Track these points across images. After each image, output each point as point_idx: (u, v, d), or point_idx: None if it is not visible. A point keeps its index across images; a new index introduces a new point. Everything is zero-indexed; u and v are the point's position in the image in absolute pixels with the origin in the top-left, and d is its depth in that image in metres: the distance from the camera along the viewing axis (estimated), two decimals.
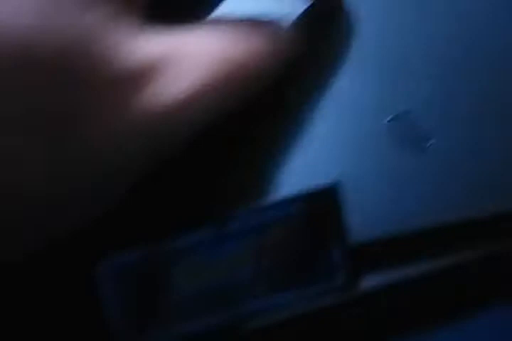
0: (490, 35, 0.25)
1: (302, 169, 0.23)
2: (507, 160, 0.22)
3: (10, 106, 0.16)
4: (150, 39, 0.18)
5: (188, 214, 0.22)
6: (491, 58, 0.25)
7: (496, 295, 0.22)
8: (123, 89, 0.17)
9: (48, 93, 0.16)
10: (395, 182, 0.23)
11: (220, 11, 0.23)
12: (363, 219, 0.21)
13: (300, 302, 0.20)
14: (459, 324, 0.22)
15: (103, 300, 0.20)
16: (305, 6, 0.24)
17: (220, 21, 0.21)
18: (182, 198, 0.22)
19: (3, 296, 0.21)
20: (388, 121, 0.24)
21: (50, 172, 0.17)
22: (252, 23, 0.21)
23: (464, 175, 0.22)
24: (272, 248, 0.20)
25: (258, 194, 0.22)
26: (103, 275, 0.19)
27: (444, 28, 0.25)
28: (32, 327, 0.21)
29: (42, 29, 0.16)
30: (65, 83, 0.16)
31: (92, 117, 0.17)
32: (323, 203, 0.20)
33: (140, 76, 0.17)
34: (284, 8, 0.24)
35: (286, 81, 0.24)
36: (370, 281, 0.21)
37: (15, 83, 0.16)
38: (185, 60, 0.17)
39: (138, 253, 0.20)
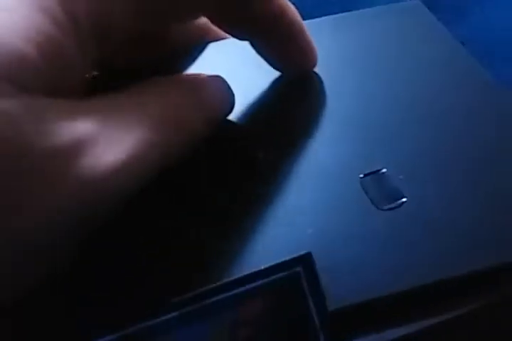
0: (461, 95, 0.26)
1: (273, 237, 0.23)
2: (481, 219, 0.22)
3: None
4: (76, 118, 0.18)
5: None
6: (466, 118, 0.25)
7: None
8: (53, 167, 0.17)
9: None
10: (369, 242, 0.22)
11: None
12: (339, 285, 0.21)
13: None
14: None
15: None
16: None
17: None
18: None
19: None
20: (361, 178, 0.24)
21: None
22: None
23: (439, 234, 0.22)
24: (248, 320, 0.20)
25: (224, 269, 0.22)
26: None
27: (419, 87, 0.26)
28: None
29: None
30: None
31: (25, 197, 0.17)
32: (297, 271, 0.20)
33: (67, 152, 0.17)
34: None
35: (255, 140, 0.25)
36: None
37: None
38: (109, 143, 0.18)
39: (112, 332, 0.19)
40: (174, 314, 0.20)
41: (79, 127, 0.17)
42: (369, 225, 0.23)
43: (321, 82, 0.27)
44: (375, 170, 0.24)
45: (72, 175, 0.17)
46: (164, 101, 0.20)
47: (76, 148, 0.17)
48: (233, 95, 0.24)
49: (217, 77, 0.23)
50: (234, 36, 0.26)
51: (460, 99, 0.26)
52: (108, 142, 0.18)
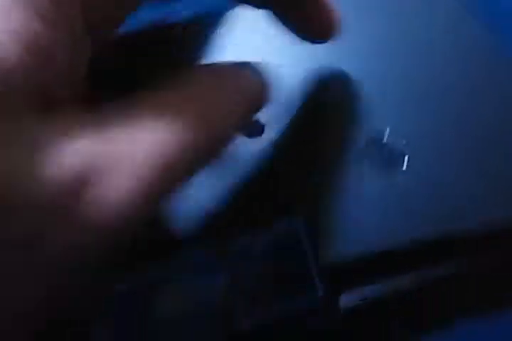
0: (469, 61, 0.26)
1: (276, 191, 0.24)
2: (479, 182, 0.23)
3: None
4: (76, 139, 0.14)
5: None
6: (473, 85, 0.26)
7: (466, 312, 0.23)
8: (50, 218, 0.13)
9: None
10: (369, 200, 0.23)
11: None
12: (337, 240, 0.22)
13: (278, 320, 0.21)
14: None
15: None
16: None
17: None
18: None
19: None
20: (364, 142, 0.25)
21: None
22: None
23: (439, 195, 0.23)
24: (248, 271, 0.21)
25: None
26: None
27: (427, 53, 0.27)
28: None
29: None
30: None
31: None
32: (299, 224, 0.21)
33: (68, 193, 0.14)
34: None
35: None
36: (346, 299, 0.22)
37: None
38: (120, 162, 0.14)
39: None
40: (177, 265, 0.21)
41: (81, 152, 0.14)
42: (370, 185, 0.24)
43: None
44: (378, 134, 0.25)
45: (75, 225, 0.13)
46: (189, 103, 0.16)
47: (79, 183, 0.14)
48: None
49: (246, 64, 0.19)
50: (254, 4, 0.24)
51: (467, 64, 0.27)
52: (120, 164, 0.14)
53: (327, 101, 0.26)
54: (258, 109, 0.20)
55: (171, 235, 0.23)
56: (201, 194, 0.24)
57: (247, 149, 0.25)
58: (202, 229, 0.23)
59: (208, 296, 0.21)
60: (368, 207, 0.23)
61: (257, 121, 0.25)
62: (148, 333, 0.21)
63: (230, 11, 0.30)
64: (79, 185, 0.14)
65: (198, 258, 0.21)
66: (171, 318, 0.21)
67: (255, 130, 0.24)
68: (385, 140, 0.24)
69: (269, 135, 0.25)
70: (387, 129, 0.25)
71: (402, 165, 0.24)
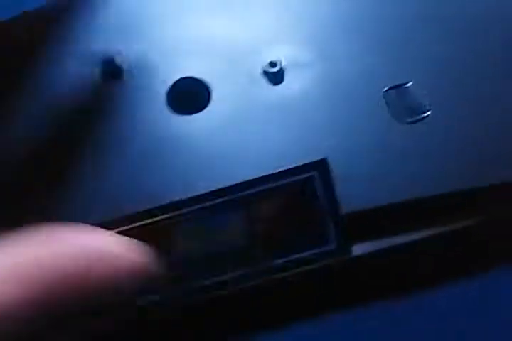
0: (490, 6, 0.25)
1: (299, 140, 0.24)
2: (501, 136, 0.23)
3: None
4: None
5: None
6: (489, 31, 0.25)
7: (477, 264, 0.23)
8: None
9: None
10: (387, 153, 0.23)
11: None
12: (355, 189, 0.22)
13: (293, 266, 0.22)
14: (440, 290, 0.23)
15: None
16: None
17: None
18: None
19: None
20: (385, 91, 0.24)
21: None
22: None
23: (457, 148, 0.23)
24: (265, 217, 0.21)
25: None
26: None
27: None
28: None
29: None
30: None
31: None
32: (313, 174, 0.21)
33: None
34: None
35: None
36: (359, 248, 0.22)
37: None
38: None
39: (141, 218, 0.21)
40: (196, 206, 0.21)
41: None
42: (389, 137, 0.23)
43: None
44: (399, 83, 0.24)
45: None
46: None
47: None
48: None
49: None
50: None
51: (484, 12, 0.26)
52: None
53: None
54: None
55: (190, 179, 0.23)
56: (223, 137, 0.24)
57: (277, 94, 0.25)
58: (221, 172, 0.23)
59: (222, 238, 0.22)
60: (387, 157, 0.23)
61: None
62: (167, 275, 0.21)
63: None
64: None
65: (215, 200, 0.21)
66: (188, 259, 0.22)
67: None
68: (407, 87, 0.24)
69: (293, 80, 0.25)
70: (411, 81, 0.24)
71: (423, 116, 0.24)
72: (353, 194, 0.22)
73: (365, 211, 0.22)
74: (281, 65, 0.25)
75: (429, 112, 0.24)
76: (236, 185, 0.21)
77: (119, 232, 0.21)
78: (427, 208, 0.22)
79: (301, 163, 0.21)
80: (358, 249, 0.22)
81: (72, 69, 0.27)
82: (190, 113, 0.25)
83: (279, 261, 0.22)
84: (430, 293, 0.23)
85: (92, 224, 0.18)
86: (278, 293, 0.23)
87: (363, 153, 0.23)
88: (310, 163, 0.21)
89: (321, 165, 0.21)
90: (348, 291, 0.23)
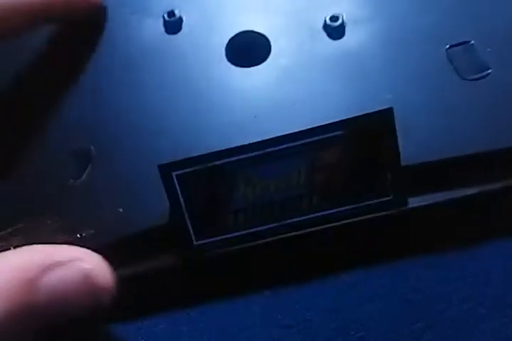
0: None
1: (359, 93, 0.24)
2: None
3: None
4: None
5: None
6: None
7: None
8: None
9: None
10: (449, 108, 0.23)
11: None
12: (415, 142, 0.22)
13: (350, 215, 0.22)
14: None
15: (170, 202, 0.22)
16: None
17: None
18: None
19: None
20: (448, 48, 0.24)
21: None
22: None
23: None
24: (326, 165, 0.22)
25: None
26: (170, 176, 0.21)
27: None
28: None
29: None
30: None
31: None
32: (378, 123, 0.21)
33: None
34: None
35: None
36: (417, 200, 0.22)
37: None
38: None
39: (203, 161, 0.21)
40: (259, 152, 0.21)
41: None
42: (451, 93, 0.23)
43: None
44: (462, 41, 0.24)
45: None
46: None
47: None
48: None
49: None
50: None
51: None
52: None
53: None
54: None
55: (248, 129, 0.24)
56: (281, 90, 0.24)
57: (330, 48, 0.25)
58: (278, 124, 0.23)
59: (282, 185, 0.22)
60: (448, 112, 0.23)
61: None
62: (226, 220, 0.22)
63: None
64: None
65: (278, 147, 0.21)
66: (247, 204, 0.22)
67: None
68: (470, 44, 0.24)
69: (353, 35, 0.25)
70: (474, 39, 0.24)
71: (486, 73, 0.23)
72: (412, 146, 0.22)
73: (423, 164, 0.22)
74: (342, 19, 0.25)
75: (491, 70, 0.24)
76: (299, 132, 0.21)
77: (177, 175, 0.22)
78: (485, 163, 0.22)
79: (365, 112, 0.21)
80: (415, 201, 0.22)
81: (134, 22, 0.27)
82: (249, 66, 0.25)
83: (336, 211, 0.22)
84: (480, 249, 0.23)
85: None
86: (332, 242, 0.23)
87: (423, 107, 0.23)
88: (375, 112, 0.21)
89: (386, 115, 0.21)
90: (402, 243, 0.23)
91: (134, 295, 0.22)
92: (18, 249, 0.18)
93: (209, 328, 0.23)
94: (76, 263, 0.18)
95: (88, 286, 0.18)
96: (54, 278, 0.18)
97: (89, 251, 0.19)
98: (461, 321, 0.22)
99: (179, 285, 0.24)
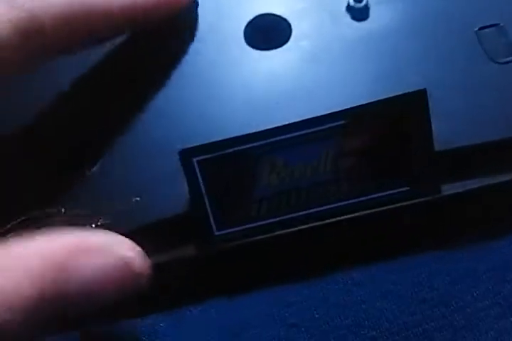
0: None
1: (386, 76, 0.23)
2: None
3: None
4: None
5: None
6: None
7: None
8: None
9: None
10: (480, 92, 0.22)
11: None
12: (447, 128, 0.21)
13: (380, 204, 0.21)
14: None
15: (190, 189, 0.21)
16: None
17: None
18: None
19: None
20: (478, 30, 0.23)
21: None
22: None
23: None
24: (354, 150, 0.21)
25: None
26: (191, 162, 0.20)
27: None
28: None
29: None
30: None
31: None
32: (410, 106, 0.20)
33: None
34: None
35: None
36: (449, 188, 0.21)
37: None
38: None
39: (225, 147, 0.20)
40: (284, 136, 0.20)
41: None
42: (481, 76, 0.22)
43: None
44: (492, 23, 0.23)
45: None
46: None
47: None
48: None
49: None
50: None
51: None
52: None
53: None
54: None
55: (270, 112, 0.23)
56: (303, 73, 0.23)
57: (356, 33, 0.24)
58: (301, 107, 0.22)
59: (308, 171, 0.21)
60: (479, 96, 0.22)
61: None
62: (249, 208, 0.21)
63: None
64: None
65: (304, 131, 0.20)
66: (271, 191, 0.21)
67: None
68: (501, 26, 0.23)
69: (378, 16, 0.24)
70: (504, 22, 0.23)
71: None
72: (444, 131, 0.21)
73: (455, 150, 0.21)
74: (366, 0, 0.24)
75: None
76: (325, 115, 0.20)
77: (198, 161, 0.21)
78: None
79: (395, 95, 0.20)
80: (448, 189, 0.21)
81: None
82: (269, 49, 0.24)
83: (365, 198, 0.21)
84: (495, 246, 0.22)
85: None
86: (360, 231, 0.22)
87: (453, 91, 0.22)
88: (407, 94, 0.20)
89: (419, 97, 0.20)
90: (434, 232, 0.22)
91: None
92: (47, 232, 0.17)
93: (212, 327, 0.22)
94: (114, 249, 0.17)
95: (129, 273, 0.17)
96: (90, 264, 0.17)
97: (123, 237, 0.18)
98: (476, 320, 0.21)
99: (183, 280, 0.22)
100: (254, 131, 0.21)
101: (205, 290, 0.22)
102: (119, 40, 0.25)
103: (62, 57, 0.22)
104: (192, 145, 0.20)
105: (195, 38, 0.25)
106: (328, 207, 0.21)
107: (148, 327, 0.22)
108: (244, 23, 0.25)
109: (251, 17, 0.25)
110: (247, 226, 0.21)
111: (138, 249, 0.18)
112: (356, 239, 0.22)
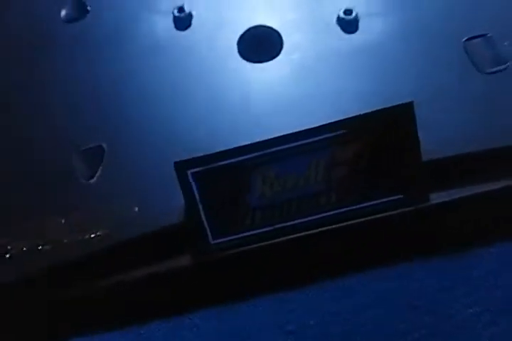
0: None
1: (375, 87, 0.23)
2: None
3: None
4: None
5: None
6: None
7: None
8: None
9: None
10: (468, 101, 0.23)
11: None
12: (435, 138, 0.22)
13: (370, 212, 0.21)
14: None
15: (185, 200, 0.21)
16: None
17: None
18: None
19: None
20: (465, 40, 0.24)
21: None
22: None
23: None
24: (344, 161, 0.21)
25: None
26: (185, 174, 0.21)
27: None
28: None
29: None
30: None
31: None
32: (398, 117, 0.21)
33: None
34: None
35: None
36: (438, 196, 0.22)
37: None
38: None
39: (219, 159, 0.21)
40: (276, 148, 0.21)
41: None
42: (469, 86, 0.23)
43: None
44: (479, 34, 0.24)
45: None
46: None
47: None
48: None
49: None
50: None
51: None
52: None
53: None
54: None
55: (262, 124, 0.23)
56: (295, 84, 0.24)
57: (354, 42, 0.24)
58: (293, 118, 0.23)
59: (300, 182, 0.21)
60: (468, 106, 0.23)
61: None
62: (244, 218, 0.21)
63: None
64: None
65: (295, 143, 0.21)
66: (265, 202, 0.21)
67: None
68: (488, 37, 0.24)
69: (368, 29, 0.25)
70: (491, 32, 0.24)
71: (504, 66, 0.23)
72: (431, 141, 0.22)
73: (443, 159, 0.22)
74: (356, 13, 0.25)
75: (509, 63, 0.23)
76: (317, 127, 0.21)
77: (193, 173, 0.21)
78: (504, 157, 0.22)
79: (383, 107, 0.21)
80: (436, 197, 0.22)
81: (144, 18, 0.27)
82: (262, 61, 0.25)
83: (355, 207, 0.22)
84: (485, 253, 0.23)
85: None
86: (351, 239, 0.23)
87: (441, 101, 0.23)
88: (395, 106, 0.20)
89: (406, 109, 0.20)
90: (424, 239, 0.23)
91: (136, 301, 0.22)
92: None
93: (211, 333, 0.22)
94: None
95: None
96: None
97: None
98: (466, 327, 0.21)
99: (181, 289, 0.23)
100: (246, 142, 0.21)
101: (204, 298, 0.23)
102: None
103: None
104: (186, 158, 0.21)
105: (189, 51, 0.26)
106: (321, 216, 0.22)
107: (147, 334, 0.23)
108: (237, 36, 0.25)
109: (243, 29, 0.26)
110: (243, 234, 0.22)
111: None
112: (349, 248, 0.23)
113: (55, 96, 0.25)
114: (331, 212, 0.22)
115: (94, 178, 0.23)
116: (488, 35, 0.24)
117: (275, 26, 0.25)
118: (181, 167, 0.21)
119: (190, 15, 0.26)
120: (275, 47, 0.25)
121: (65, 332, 0.23)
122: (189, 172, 0.21)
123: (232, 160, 0.21)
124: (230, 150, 0.21)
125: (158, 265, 0.22)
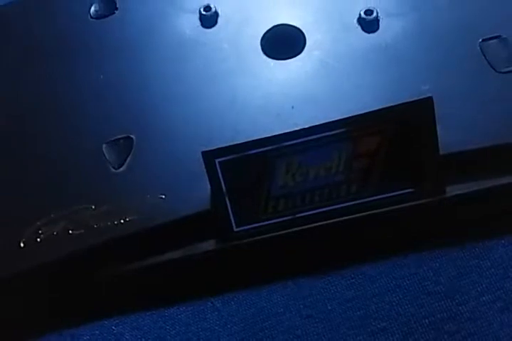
0: None
1: (394, 85, 0.24)
2: None
3: None
4: None
5: None
6: None
7: None
8: None
9: None
10: (483, 100, 0.24)
11: None
12: (452, 133, 0.22)
13: (388, 204, 0.22)
14: None
15: (212, 188, 0.22)
16: None
17: None
18: None
19: None
20: (482, 41, 0.25)
21: None
22: None
23: None
24: (365, 153, 0.22)
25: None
26: (213, 163, 0.22)
27: None
28: None
29: None
30: None
31: None
32: (417, 113, 0.22)
33: None
34: None
35: None
36: (454, 190, 0.23)
37: None
38: None
39: (245, 149, 0.22)
40: (300, 140, 0.22)
41: None
42: (485, 84, 0.24)
43: None
44: (495, 35, 0.25)
45: None
46: None
47: None
48: None
49: None
50: None
51: None
52: None
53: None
54: None
55: (283, 119, 0.24)
56: (317, 81, 0.25)
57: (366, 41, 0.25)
58: (314, 115, 0.24)
59: (320, 172, 0.22)
60: (484, 104, 0.23)
61: None
62: (267, 206, 0.22)
63: None
64: None
65: (317, 135, 0.22)
66: (286, 191, 0.22)
67: None
68: (504, 38, 0.24)
69: (388, 28, 0.26)
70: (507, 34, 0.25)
71: None
72: (447, 137, 0.22)
73: (459, 154, 0.23)
74: (377, 13, 0.26)
75: None
76: (339, 120, 0.22)
77: (220, 162, 0.22)
78: None
79: (403, 102, 0.22)
80: (453, 190, 0.23)
81: (171, 16, 0.28)
82: (285, 58, 0.26)
83: (374, 198, 0.23)
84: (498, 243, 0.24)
85: None
86: (370, 230, 0.23)
87: (458, 99, 0.24)
88: (415, 101, 0.21)
89: (426, 104, 0.21)
90: (440, 229, 0.24)
91: (161, 284, 0.23)
92: None
93: (232, 316, 0.23)
94: None
95: None
96: None
97: None
98: (479, 313, 0.22)
99: (204, 274, 0.24)
100: (271, 134, 0.22)
101: (226, 283, 0.24)
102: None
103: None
104: (214, 147, 0.22)
105: (214, 48, 0.27)
106: (341, 205, 0.22)
107: (170, 316, 0.23)
108: (261, 34, 0.27)
109: (267, 28, 0.27)
110: (264, 223, 0.23)
111: None
112: (367, 237, 0.24)
113: (85, 91, 0.26)
114: (351, 202, 0.23)
115: (123, 167, 0.24)
116: (503, 36, 0.25)
117: (298, 25, 0.26)
118: (209, 156, 0.22)
119: (216, 14, 0.27)
120: (298, 45, 0.26)
121: (95, 313, 0.23)
122: (217, 161, 0.22)
123: (258, 150, 0.22)
124: (256, 140, 0.22)
125: (182, 251, 0.23)
